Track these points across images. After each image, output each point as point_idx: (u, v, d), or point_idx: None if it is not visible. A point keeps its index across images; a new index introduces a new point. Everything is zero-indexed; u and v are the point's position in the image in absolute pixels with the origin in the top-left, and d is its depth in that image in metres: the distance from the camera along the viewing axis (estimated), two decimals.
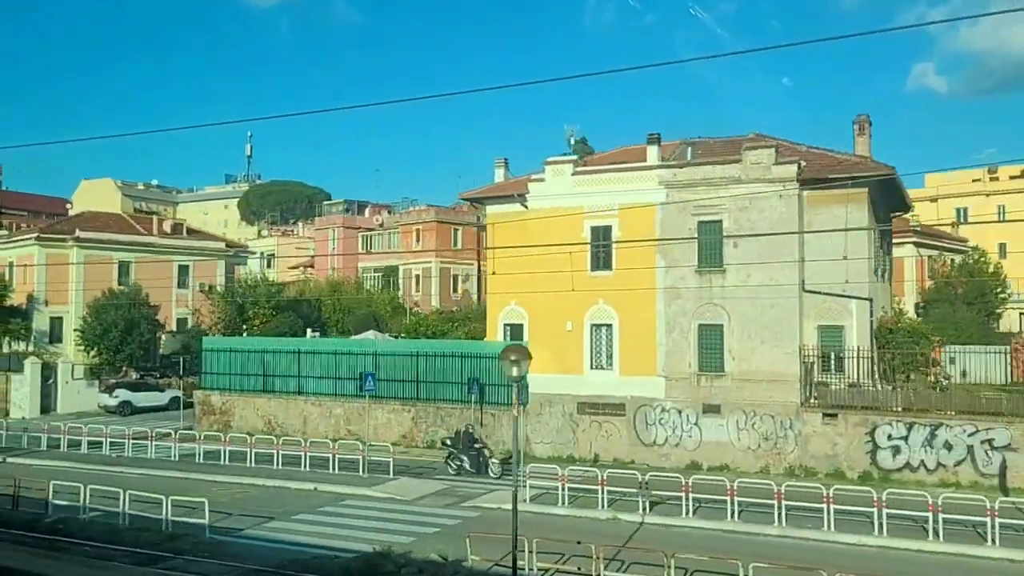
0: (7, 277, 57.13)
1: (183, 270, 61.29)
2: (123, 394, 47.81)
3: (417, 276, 79.32)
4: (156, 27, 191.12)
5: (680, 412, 30.96)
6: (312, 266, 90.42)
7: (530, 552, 16.68)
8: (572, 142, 35.22)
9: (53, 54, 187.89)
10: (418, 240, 79.34)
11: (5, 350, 54.08)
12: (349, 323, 63.60)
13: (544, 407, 33.36)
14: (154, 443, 32.49)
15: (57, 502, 22.79)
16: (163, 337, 54.55)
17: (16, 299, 55.28)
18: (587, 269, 32.76)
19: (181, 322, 60.46)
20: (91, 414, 47.71)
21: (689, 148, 33.05)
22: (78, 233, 56.03)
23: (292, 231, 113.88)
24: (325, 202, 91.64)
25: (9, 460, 32.25)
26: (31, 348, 54.04)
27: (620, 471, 25.84)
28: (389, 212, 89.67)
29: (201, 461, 31.01)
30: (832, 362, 29.73)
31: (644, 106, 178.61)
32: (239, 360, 40.65)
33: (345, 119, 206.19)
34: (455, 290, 79.07)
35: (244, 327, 57.76)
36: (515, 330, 35.26)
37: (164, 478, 28.09)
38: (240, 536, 20.92)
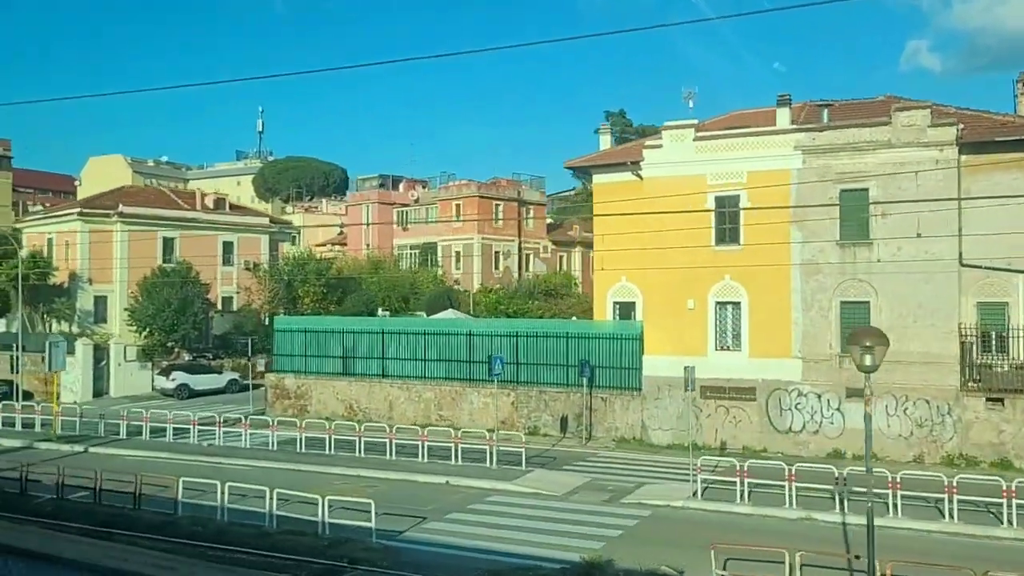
0: (46, 254, 54.56)
1: (227, 247, 58.66)
2: (181, 377, 45.48)
3: (457, 253, 76.86)
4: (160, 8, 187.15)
5: (820, 396, 28.71)
6: (345, 243, 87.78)
7: (790, 565, 14.34)
8: (691, 104, 32.50)
9: (58, 34, 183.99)
10: (458, 215, 76.74)
11: (48, 331, 51.64)
12: (395, 301, 61.25)
13: (662, 391, 31.05)
14: (249, 432, 30.02)
15: (185, 500, 20.45)
16: (214, 317, 52.11)
17: (58, 277, 52.68)
18: (711, 243, 30.38)
19: (226, 301, 57.99)
20: (145, 397, 45.46)
21: (825, 110, 30.54)
22: (121, 208, 53.36)
23: (316, 207, 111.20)
24: (358, 176, 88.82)
25: (91, 450, 29.91)
26: (75, 328, 51.59)
27: (757, 461, 23.70)
28: (424, 187, 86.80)
29: (303, 451, 28.65)
30: (993, 342, 27.44)
31: (634, 92, 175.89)
32: (315, 341, 38.24)
33: (356, 95, 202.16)
34: (496, 267, 76.68)
35: (295, 305, 55.49)
36: (626, 308, 32.99)
37: (274, 470, 25.78)
38: (404, 540, 18.62)
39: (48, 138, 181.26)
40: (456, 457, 26.37)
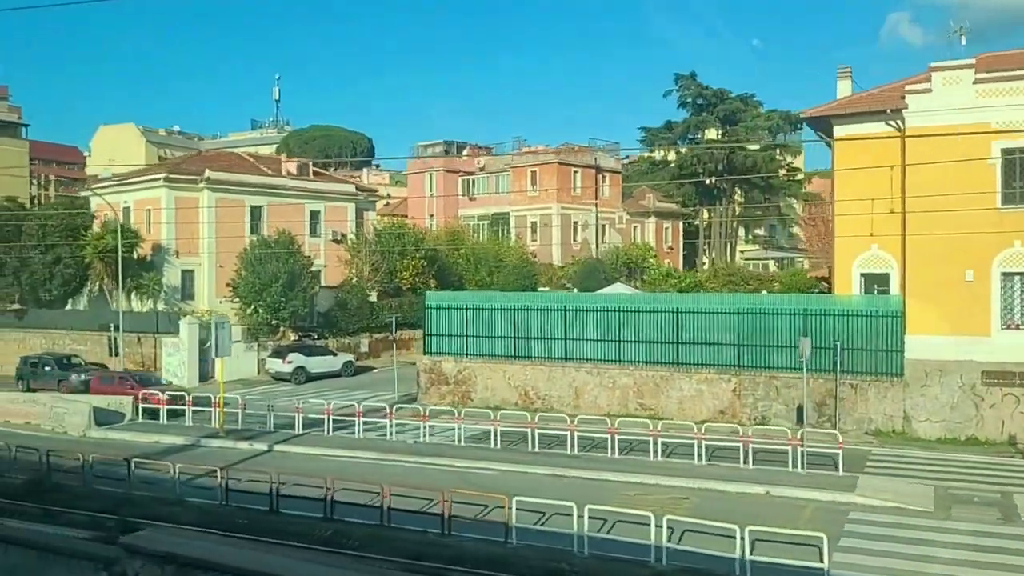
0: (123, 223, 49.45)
1: (314, 216, 53.73)
2: (297, 359, 40.92)
3: (533, 223, 72.33)
4: None
5: None
6: (400, 215, 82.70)
7: None
8: (963, 41, 28.01)
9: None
10: (532, 183, 72.06)
11: (134, 309, 46.78)
12: (481, 274, 56.76)
13: (931, 377, 26.76)
14: (463, 425, 25.49)
15: (518, 524, 15.97)
16: (319, 292, 47.39)
17: (141, 250, 47.60)
18: (996, 203, 25.98)
19: (314, 274, 53.12)
20: (256, 382, 41.14)
21: None
22: (208, 174, 48.34)
23: (357, 177, 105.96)
24: (419, 143, 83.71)
25: (276, 448, 25.41)
26: (161, 305, 46.72)
27: None
28: (488, 153, 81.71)
29: (535, 449, 24.21)
30: None
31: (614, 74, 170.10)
32: (478, 319, 33.61)
33: (371, 56, 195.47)
34: (574, 238, 72.22)
35: (391, 279, 51.01)
36: (875, 280, 28.63)
37: (536, 477, 21.36)
38: None
39: (52, 108, 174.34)
40: (747, 459, 21.99)
